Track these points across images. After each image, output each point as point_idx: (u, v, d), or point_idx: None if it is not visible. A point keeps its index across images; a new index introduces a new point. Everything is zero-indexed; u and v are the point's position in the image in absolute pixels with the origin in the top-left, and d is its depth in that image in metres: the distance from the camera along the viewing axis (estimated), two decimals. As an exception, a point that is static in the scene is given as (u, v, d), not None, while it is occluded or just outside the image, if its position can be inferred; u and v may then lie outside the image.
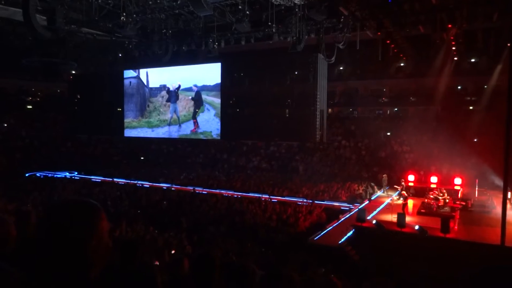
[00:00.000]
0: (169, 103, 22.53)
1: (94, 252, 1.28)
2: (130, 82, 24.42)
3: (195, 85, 21.41)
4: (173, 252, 7.20)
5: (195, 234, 14.04)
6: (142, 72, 23.79)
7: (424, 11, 16.58)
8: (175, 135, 22.64)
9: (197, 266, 3.21)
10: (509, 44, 20.60)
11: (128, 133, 24.52)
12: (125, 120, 24.28)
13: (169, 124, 22.55)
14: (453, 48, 21.92)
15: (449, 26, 16.79)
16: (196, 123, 21.48)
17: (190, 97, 21.78)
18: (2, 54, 26.33)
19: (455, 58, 24.91)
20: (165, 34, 19.47)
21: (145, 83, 23.71)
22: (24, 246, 2.22)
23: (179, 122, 22.29)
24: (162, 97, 22.89)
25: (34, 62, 27.82)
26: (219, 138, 21.73)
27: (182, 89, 22.10)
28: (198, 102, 21.48)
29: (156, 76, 23.27)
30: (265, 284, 3.78)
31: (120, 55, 24.06)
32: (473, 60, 28.62)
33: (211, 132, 21.32)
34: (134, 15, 16.31)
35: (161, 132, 23.08)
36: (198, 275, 3.09)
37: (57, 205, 1.36)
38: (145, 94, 23.62)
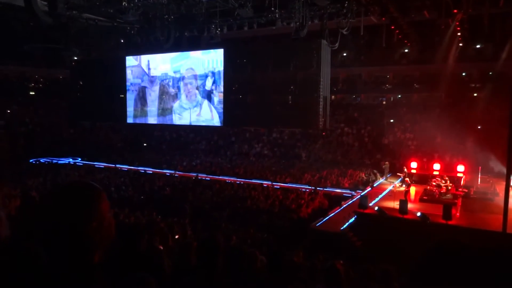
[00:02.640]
0: (170, 91, 22.48)
1: (96, 234, 1.27)
2: (132, 70, 24.33)
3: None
4: (176, 237, 7.26)
5: (198, 220, 14.16)
6: (144, 61, 23.66)
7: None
8: (178, 122, 22.62)
9: (201, 251, 3.25)
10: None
11: (131, 120, 24.55)
12: (128, 109, 24.26)
13: (172, 112, 22.52)
14: (458, 34, 21.66)
15: (455, 11, 16.56)
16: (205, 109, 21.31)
17: (196, 85, 21.61)
18: (4, 41, 26.22)
19: (460, 44, 24.62)
20: (167, 19, 19.29)
21: (147, 72, 23.60)
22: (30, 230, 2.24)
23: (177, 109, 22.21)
24: (164, 85, 22.83)
25: (36, 48, 27.70)
26: (221, 124, 21.69)
27: (188, 76, 21.97)
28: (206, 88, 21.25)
29: (158, 65, 23.16)
30: (268, 269, 3.83)
31: (122, 41, 23.91)
32: (478, 46, 28.28)
33: (213, 119, 21.28)
34: (136, 0, 16.15)
35: (163, 120, 23.08)
36: (203, 259, 3.13)
37: (56, 188, 1.35)
38: (147, 82, 23.55)
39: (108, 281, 1.29)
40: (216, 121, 21.07)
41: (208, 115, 21.24)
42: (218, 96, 20.80)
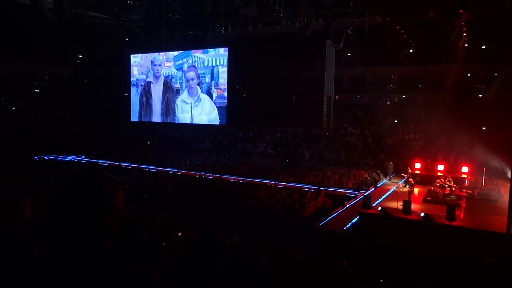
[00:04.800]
0: (174, 86, 22.84)
1: (109, 223, 1.32)
2: (137, 67, 24.50)
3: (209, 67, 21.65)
4: (179, 234, 7.28)
5: (201, 218, 14.16)
6: (149, 58, 23.86)
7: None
8: (180, 115, 22.97)
9: (204, 248, 3.25)
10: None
11: (135, 118, 24.75)
12: (132, 107, 24.55)
13: (175, 106, 22.87)
14: (464, 34, 21.53)
15: (461, 11, 16.48)
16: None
17: (197, 82, 22.08)
18: (10, 38, 26.36)
19: (466, 45, 24.48)
20: (171, 18, 19.31)
21: (152, 68, 23.79)
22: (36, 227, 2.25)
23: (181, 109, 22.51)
24: (168, 81, 23.07)
25: (41, 45, 27.82)
26: (219, 119, 21.86)
27: (190, 73, 22.32)
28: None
29: (162, 62, 23.41)
30: (270, 267, 3.82)
31: (126, 39, 23.99)
32: (483, 47, 28.10)
33: (212, 113, 21.62)
34: (141, -1, 16.19)
35: (167, 115, 23.38)
36: (205, 257, 3.13)
37: (75, 177, 1.39)
38: (152, 78, 23.78)
39: (117, 269, 1.31)
40: (215, 114, 21.33)
41: (207, 109, 21.72)
42: (216, 92, 21.30)
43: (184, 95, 22.47)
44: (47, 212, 1.35)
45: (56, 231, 1.29)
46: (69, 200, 1.30)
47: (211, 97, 21.43)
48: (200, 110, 21.93)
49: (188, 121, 22.68)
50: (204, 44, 21.68)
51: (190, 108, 22.23)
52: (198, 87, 21.93)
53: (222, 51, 21.15)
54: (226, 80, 21.09)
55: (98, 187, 1.34)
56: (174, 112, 22.98)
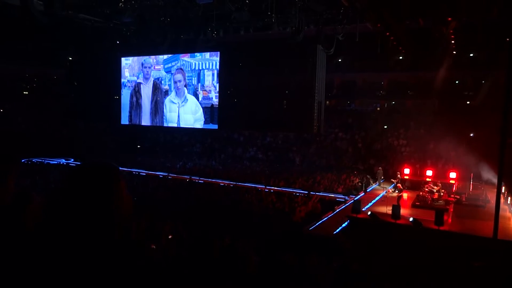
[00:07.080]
0: (162, 88, 23.17)
1: (117, 211, 1.32)
2: (128, 68, 24.48)
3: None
4: (170, 237, 7.26)
5: (191, 222, 14.10)
6: (139, 60, 23.92)
7: (424, 3, 16.50)
8: (168, 115, 23.27)
9: (197, 250, 3.25)
10: (508, 39, 20.61)
11: (125, 121, 24.69)
12: (122, 110, 24.60)
13: (164, 106, 23.19)
14: (452, 42, 21.86)
15: (449, 19, 16.75)
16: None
17: (184, 83, 22.70)
18: (-2, 39, 26.07)
19: (454, 52, 24.86)
20: (163, 22, 19.29)
21: (142, 70, 23.88)
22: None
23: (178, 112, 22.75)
24: (157, 82, 23.37)
25: (31, 47, 27.56)
26: (215, 127, 22.02)
27: (178, 75, 22.74)
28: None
29: (152, 64, 23.64)
30: (260, 269, 3.83)
31: (117, 42, 23.91)
32: (472, 54, 28.57)
33: (202, 116, 21.95)
34: (133, 2, 16.15)
35: (156, 115, 23.63)
36: (196, 258, 3.13)
37: (77, 168, 1.39)
38: (142, 79, 23.94)
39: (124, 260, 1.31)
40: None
41: (193, 109, 22.49)
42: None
43: (172, 96, 23.00)
44: (55, 203, 1.34)
45: (66, 220, 1.28)
46: (73, 194, 1.30)
47: (197, 98, 22.11)
48: (186, 109, 22.52)
49: (176, 120, 23.05)
50: (196, 48, 21.73)
51: (178, 108, 22.86)
52: (185, 88, 22.54)
53: (208, 56, 21.69)
54: (211, 82, 21.68)
55: (102, 177, 1.34)
56: (163, 111, 23.42)
